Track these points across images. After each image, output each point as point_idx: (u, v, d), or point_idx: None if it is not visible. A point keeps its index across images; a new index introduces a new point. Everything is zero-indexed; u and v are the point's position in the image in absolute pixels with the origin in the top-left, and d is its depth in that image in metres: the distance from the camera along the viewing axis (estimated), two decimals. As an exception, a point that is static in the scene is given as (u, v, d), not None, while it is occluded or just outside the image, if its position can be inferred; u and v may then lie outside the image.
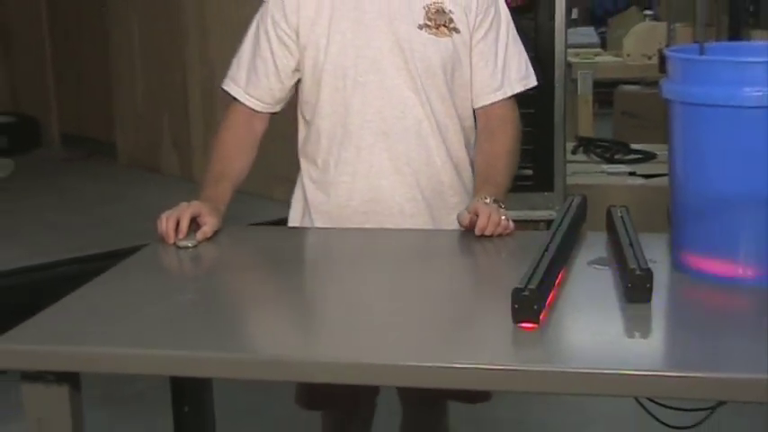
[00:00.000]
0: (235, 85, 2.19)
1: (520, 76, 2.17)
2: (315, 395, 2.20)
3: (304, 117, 2.18)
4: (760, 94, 1.65)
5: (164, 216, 2.01)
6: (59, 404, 1.57)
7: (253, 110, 2.18)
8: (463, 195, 2.15)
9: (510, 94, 2.16)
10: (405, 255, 2.00)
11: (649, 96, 6.19)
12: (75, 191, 5.29)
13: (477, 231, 1.94)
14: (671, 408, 1.60)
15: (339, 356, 1.53)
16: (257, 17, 2.18)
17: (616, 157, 5.44)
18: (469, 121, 2.18)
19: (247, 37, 2.20)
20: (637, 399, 1.55)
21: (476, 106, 2.16)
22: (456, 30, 2.08)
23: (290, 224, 2.24)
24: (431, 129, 2.09)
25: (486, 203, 1.97)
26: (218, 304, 1.83)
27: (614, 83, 7.17)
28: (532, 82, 2.21)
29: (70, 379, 1.57)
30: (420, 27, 2.06)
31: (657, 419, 1.70)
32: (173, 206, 2.04)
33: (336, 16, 2.08)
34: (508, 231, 1.97)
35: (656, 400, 1.65)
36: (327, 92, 2.09)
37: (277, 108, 2.20)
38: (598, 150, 5.56)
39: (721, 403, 1.54)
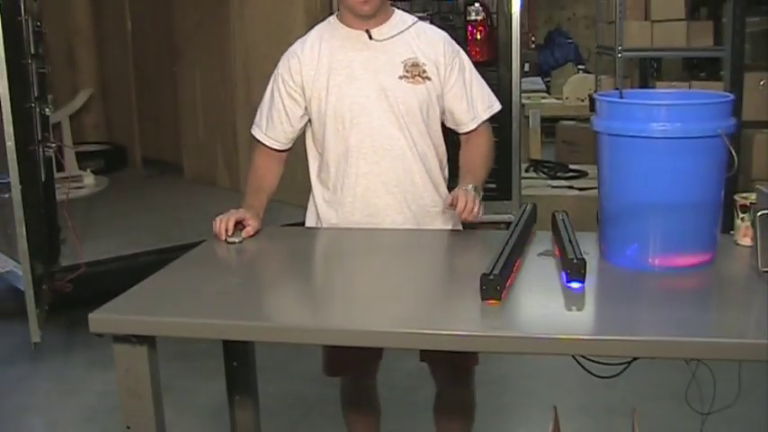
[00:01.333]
0: (258, 129, 2.19)
1: (485, 106, 2.15)
2: (333, 365, 2.19)
3: (317, 150, 2.15)
4: (663, 128, 1.64)
5: (217, 219, 2.01)
6: (141, 359, 1.57)
7: (270, 149, 2.17)
8: (440, 206, 2.11)
9: (480, 121, 2.14)
10: (396, 249, 2.00)
11: (583, 129, 6.18)
12: (153, 200, 5.29)
13: (457, 212, 1.92)
14: (597, 362, 1.59)
15: (347, 324, 1.53)
16: (273, 77, 2.17)
17: (558, 174, 5.44)
18: (442, 148, 2.15)
19: (266, 92, 2.18)
20: (573, 356, 1.54)
21: (460, 132, 2.15)
22: (428, 78, 2.05)
23: None
24: (413, 157, 2.06)
25: (465, 191, 1.94)
26: (257, 285, 1.83)
27: (556, 119, 7.17)
28: (496, 107, 2.19)
29: (148, 340, 1.57)
30: (400, 78, 2.04)
31: (588, 371, 1.69)
32: (224, 212, 2.04)
33: (333, 73, 2.06)
34: (474, 216, 1.93)
35: (587, 356, 1.64)
36: (331, 132, 2.07)
37: (289, 145, 2.18)
38: (545, 169, 5.56)
39: (635, 359, 1.53)
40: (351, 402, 2.35)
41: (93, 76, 6.63)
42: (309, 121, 2.13)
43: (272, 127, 2.15)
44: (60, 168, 4.55)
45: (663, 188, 1.67)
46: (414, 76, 2.04)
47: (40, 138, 3.47)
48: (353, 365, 2.22)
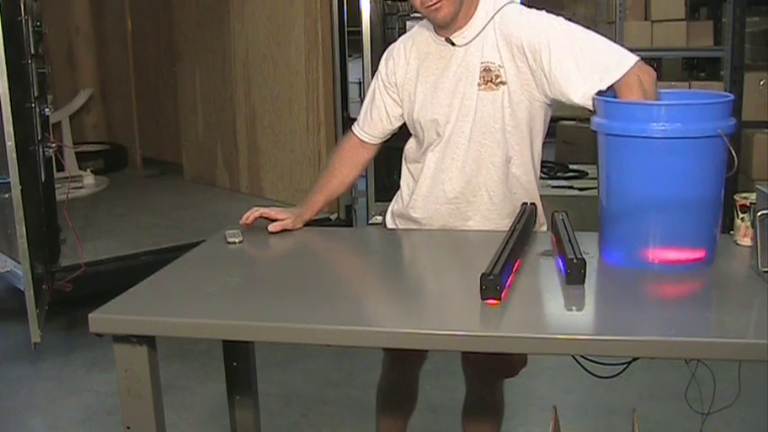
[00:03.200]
0: (357, 126, 2.18)
1: (617, 62, 1.83)
2: (395, 358, 2.18)
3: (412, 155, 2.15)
4: (663, 128, 1.64)
5: (247, 214, 2.05)
6: (141, 359, 1.57)
7: (361, 140, 2.16)
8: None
9: (612, 80, 1.82)
10: (396, 249, 2.00)
11: (583, 129, 6.17)
12: (153, 200, 5.29)
13: None
14: (597, 362, 1.59)
15: (347, 324, 1.52)
16: (375, 78, 2.15)
17: (558, 174, 5.44)
18: (519, 145, 2.00)
19: (369, 91, 2.17)
20: (573, 356, 1.54)
21: (583, 102, 1.84)
22: (503, 82, 1.92)
23: None
24: (475, 169, 1.99)
25: None
26: (258, 285, 1.82)
27: (556, 119, 7.14)
28: (629, 62, 1.84)
29: (148, 340, 1.57)
30: (477, 85, 1.94)
31: (587, 370, 1.69)
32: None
33: (420, 81, 2.04)
34: None
35: (587, 356, 1.64)
36: (417, 138, 2.09)
37: (382, 140, 2.16)
38: (545, 169, 5.55)
39: (635, 359, 1.53)
40: (387, 389, 2.31)
41: (93, 76, 6.64)
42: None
43: (371, 123, 2.14)
44: (60, 168, 4.56)
45: (662, 188, 1.67)
46: (486, 83, 1.94)
47: (40, 138, 3.47)
48: (413, 353, 2.18)
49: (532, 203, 2.06)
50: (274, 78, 4.81)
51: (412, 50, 2.06)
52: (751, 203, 1.76)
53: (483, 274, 1.53)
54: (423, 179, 2.06)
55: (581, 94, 1.84)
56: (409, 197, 2.11)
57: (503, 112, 1.95)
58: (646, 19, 5.01)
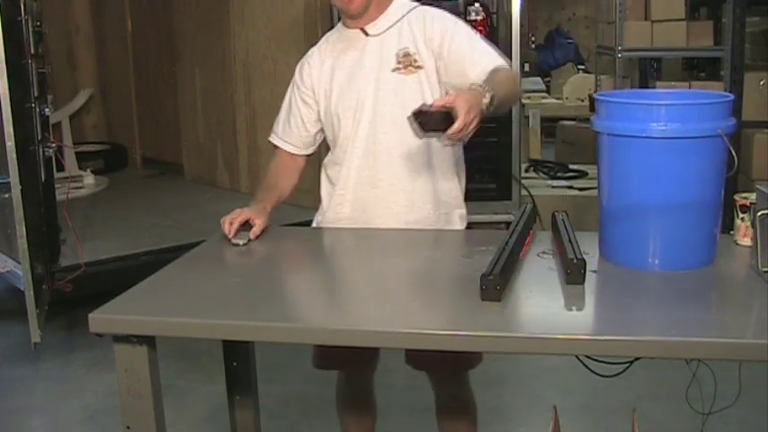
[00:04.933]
0: (275, 135, 2.22)
1: (493, 57, 1.98)
2: (323, 357, 2.18)
3: (329, 149, 2.18)
4: (663, 128, 1.64)
5: (223, 220, 2.01)
6: (140, 359, 1.57)
7: (289, 153, 2.20)
8: (434, 204, 2.09)
9: (497, 64, 1.95)
10: (396, 249, 2.00)
11: (583, 129, 6.18)
12: (153, 200, 5.29)
13: (448, 133, 1.68)
14: (599, 361, 1.59)
15: (346, 324, 1.53)
16: (290, 86, 2.20)
17: (558, 174, 5.43)
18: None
19: (284, 100, 2.21)
20: (576, 355, 1.54)
21: (479, 80, 1.89)
22: (420, 66, 2.03)
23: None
24: (400, 150, 2.04)
25: (469, 98, 1.71)
26: (257, 285, 1.82)
27: (556, 119, 7.17)
28: (507, 62, 2.02)
29: (148, 340, 1.57)
30: (393, 70, 2.04)
31: (590, 369, 1.69)
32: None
33: (336, 73, 2.09)
34: (459, 138, 1.71)
35: (588, 356, 1.64)
36: (336, 130, 2.11)
37: (308, 151, 2.20)
38: (545, 169, 5.56)
39: (637, 358, 1.53)
40: (345, 402, 2.35)
41: (93, 76, 6.63)
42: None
43: (289, 132, 2.19)
44: (60, 168, 4.55)
45: (662, 188, 1.67)
46: (406, 67, 2.04)
47: (39, 138, 3.47)
48: (344, 361, 2.21)
49: (533, 204, 2.06)
50: (274, 78, 4.81)
51: (326, 50, 2.13)
52: (751, 203, 1.76)
53: (483, 275, 1.53)
54: (347, 171, 2.08)
55: (476, 72, 1.93)
56: (330, 198, 2.14)
57: (422, 94, 2.03)
58: (646, 19, 5.01)
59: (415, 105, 1.93)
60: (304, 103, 2.15)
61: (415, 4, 2.13)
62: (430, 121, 1.71)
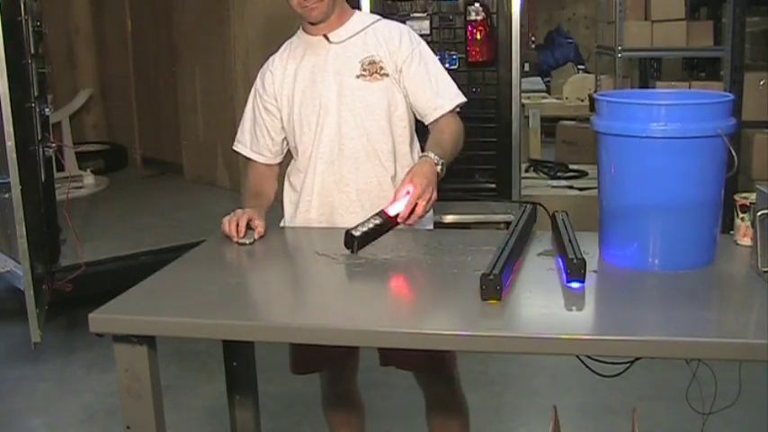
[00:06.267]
0: (242, 145, 2.23)
1: (451, 95, 2.10)
2: (298, 362, 2.19)
3: (293, 157, 2.20)
4: (663, 128, 1.64)
5: (225, 220, 2.00)
6: (140, 359, 1.57)
7: (262, 163, 2.21)
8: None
9: (448, 110, 2.09)
10: (396, 249, 1.99)
11: (582, 129, 6.18)
12: (153, 200, 5.29)
13: (399, 219, 1.86)
14: (599, 361, 1.59)
15: (346, 324, 1.52)
16: (251, 94, 2.21)
17: (558, 174, 5.43)
18: (402, 137, 2.12)
19: (246, 108, 2.23)
20: (577, 355, 1.54)
21: (426, 122, 2.12)
22: (386, 74, 2.07)
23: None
24: (366, 156, 2.07)
25: (423, 174, 1.88)
26: (258, 285, 1.82)
27: (556, 119, 7.16)
28: (462, 99, 2.12)
29: (148, 340, 1.57)
30: (357, 77, 2.06)
31: (591, 369, 1.69)
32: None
33: (298, 79, 2.11)
34: (416, 219, 1.88)
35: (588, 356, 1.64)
36: (298, 136, 2.12)
37: (277, 160, 2.22)
38: (545, 169, 5.55)
39: (638, 358, 1.53)
40: (330, 404, 2.36)
41: (93, 75, 6.63)
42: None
43: (256, 142, 2.20)
44: (60, 168, 4.55)
45: (662, 188, 1.67)
46: (371, 74, 2.07)
47: (39, 138, 3.47)
48: (320, 364, 2.21)
49: (533, 203, 2.06)
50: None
51: (289, 57, 2.15)
52: (751, 203, 1.76)
53: (483, 275, 1.53)
54: (311, 178, 2.10)
55: (428, 105, 2.08)
56: (295, 206, 2.15)
57: (387, 101, 2.07)
58: (646, 19, 5.01)
59: (381, 111, 2.07)
60: (267, 111, 2.16)
61: (378, 17, 2.17)
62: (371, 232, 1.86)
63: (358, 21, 2.13)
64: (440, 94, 2.10)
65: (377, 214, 1.88)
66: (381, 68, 2.07)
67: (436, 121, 2.11)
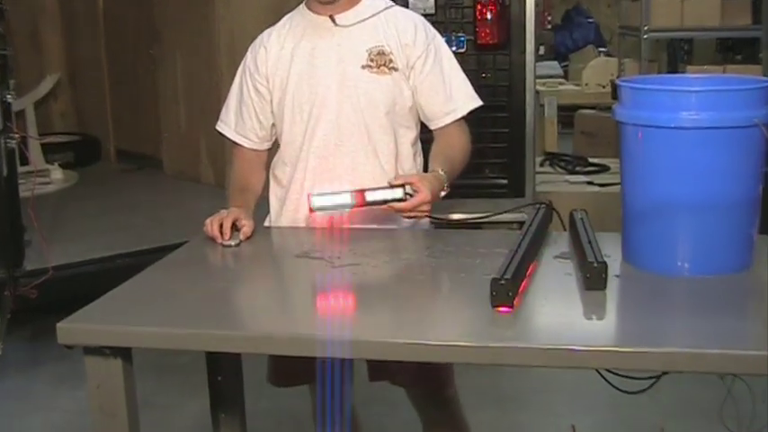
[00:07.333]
0: (226, 126, 2.21)
1: (466, 98, 2.12)
2: (279, 373, 2.18)
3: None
4: (695, 117, 1.65)
5: (208, 221, 2.00)
6: (115, 373, 1.57)
7: (250, 149, 2.20)
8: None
9: (459, 116, 2.11)
10: (396, 251, 2.00)
11: (604, 119, 6.18)
12: (129, 197, 5.30)
13: (401, 206, 1.91)
14: (622, 375, 1.59)
15: (343, 334, 1.52)
16: (240, 68, 2.19)
17: (576, 169, 5.44)
18: (405, 138, 2.13)
19: (233, 85, 2.21)
20: (597, 369, 1.54)
21: (433, 127, 2.13)
22: (395, 68, 2.06)
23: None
24: (365, 155, 2.07)
25: (428, 180, 1.94)
26: (246, 291, 1.83)
27: (574, 107, 7.18)
28: (477, 103, 2.14)
29: (123, 352, 1.57)
30: (363, 67, 2.06)
31: (612, 385, 1.69)
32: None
33: (295, 61, 2.09)
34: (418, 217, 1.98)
35: (610, 370, 1.64)
36: (288, 124, 2.11)
37: (265, 146, 2.20)
38: (562, 163, 5.56)
39: (665, 373, 1.54)
40: (322, 422, 2.35)
41: (60, 59, 6.62)
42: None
43: (243, 125, 2.18)
44: (24, 162, 4.54)
45: (693, 184, 1.67)
46: (379, 66, 2.06)
47: (1, 128, 3.47)
48: (309, 376, 2.19)
49: (547, 203, 2.06)
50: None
51: (288, 34, 2.12)
52: (791, 201, 1.76)
53: (494, 279, 1.53)
54: (301, 173, 2.10)
55: (440, 110, 2.10)
56: (281, 203, 2.15)
57: (394, 98, 2.07)
58: (675, -5, 5.01)
59: (385, 108, 2.06)
60: (256, 92, 2.14)
61: (391, 2, 2.16)
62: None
63: (369, 5, 2.12)
64: (453, 97, 2.11)
65: (348, 192, 1.92)
66: (390, 61, 2.06)
67: (444, 128, 2.12)
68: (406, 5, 4.89)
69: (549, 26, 10.05)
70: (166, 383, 3.41)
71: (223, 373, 2.08)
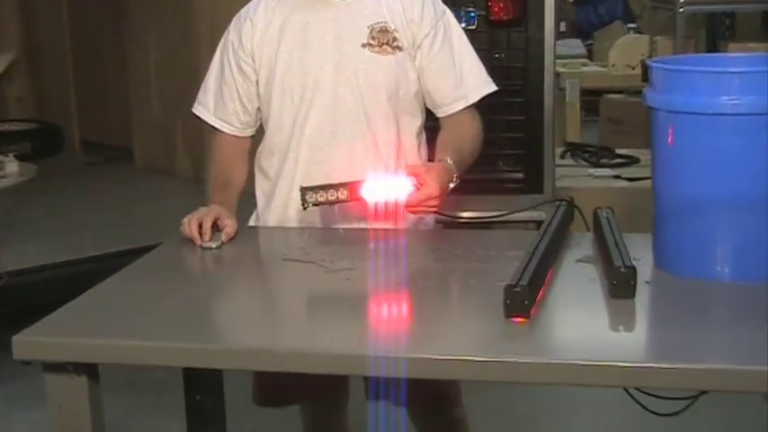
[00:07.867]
0: (204, 109, 2.20)
1: (479, 83, 2.14)
2: (265, 391, 2.19)
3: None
4: (736, 102, 1.65)
5: (186, 220, 2.00)
6: (79, 393, 1.57)
7: (232, 135, 2.19)
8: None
9: (471, 102, 2.12)
10: (397, 253, 2.00)
11: (633, 104, 6.18)
12: (95, 193, 5.30)
13: (407, 198, 1.92)
14: (654, 395, 1.60)
15: (336, 348, 1.53)
16: (221, 43, 2.19)
17: (602, 161, 5.42)
18: (409, 128, 2.14)
19: (213, 64, 2.20)
20: (625, 388, 1.54)
21: (441, 115, 2.14)
22: (399, 48, 2.06)
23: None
24: (364, 145, 2.08)
25: (436, 171, 1.95)
26: (227, 299, 1.83)
27: (600, 92, 7.17)
28: (491, 88, 2.15)
29: (89, 369, 1.57)
30: (363, 46, 2.05)
31: (643, 406, 1.70)
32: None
33: (285, 37, 2.08)
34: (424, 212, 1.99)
35: (640, 389, 1.65)
36: (276, 108, 2.11)
37: (248, 132, 2.20)
38: (585, 155, 5.55)
39: (703, 392, 1.54)
40: None
41: (17, 37, 6.63)
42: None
43: (222, 106, 2.17)
44: (-24, 153, 4.56)
45: (734, 178, 1.68)
46: (381, 45, 2.06)
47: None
48: (299, 395, 2.21)
49: (569, 200, 2.07)
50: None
51: (277, 6, 2.11)
52: None
53: (508, 286, 1.54)
54: (292, 164, 2.10)
55: (449, 95, 2.11)
56: (268, 198, 2.16)
57: (396, 82, 2.07)
58: (714, -37, 5.01)
59: (387, 93, 2.05)
60: (240, 71, 2.13)
61: None
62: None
63: None
64: (463, 80, 2.11)
65: (344, 185, 1.93)
66: (395, 39, 2.06)
67: (453, 115, 2.12)
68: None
69: (572, 0, 10.07)
70: (140, 403, 3.41)
71: (202, 391, 2.08)
